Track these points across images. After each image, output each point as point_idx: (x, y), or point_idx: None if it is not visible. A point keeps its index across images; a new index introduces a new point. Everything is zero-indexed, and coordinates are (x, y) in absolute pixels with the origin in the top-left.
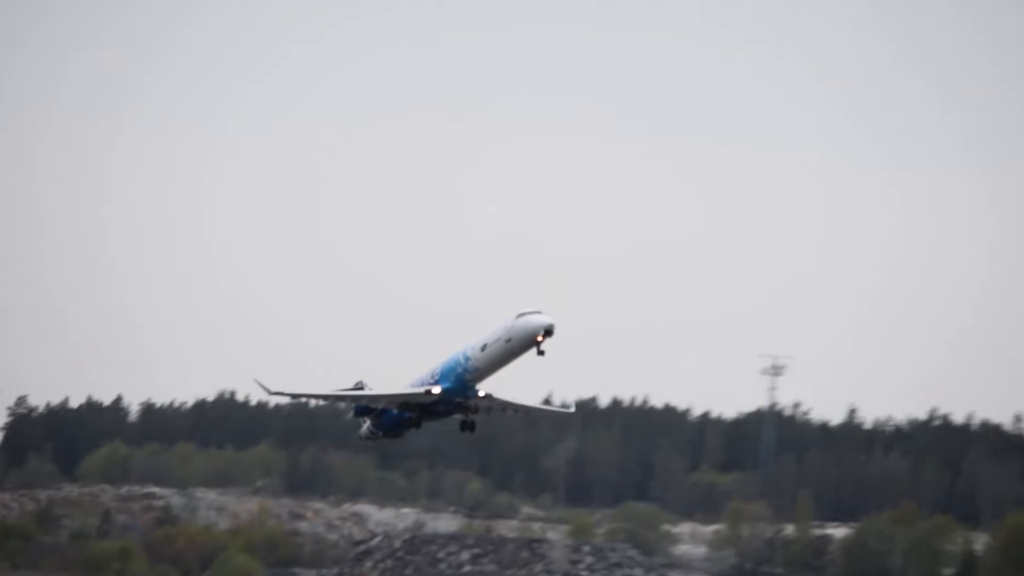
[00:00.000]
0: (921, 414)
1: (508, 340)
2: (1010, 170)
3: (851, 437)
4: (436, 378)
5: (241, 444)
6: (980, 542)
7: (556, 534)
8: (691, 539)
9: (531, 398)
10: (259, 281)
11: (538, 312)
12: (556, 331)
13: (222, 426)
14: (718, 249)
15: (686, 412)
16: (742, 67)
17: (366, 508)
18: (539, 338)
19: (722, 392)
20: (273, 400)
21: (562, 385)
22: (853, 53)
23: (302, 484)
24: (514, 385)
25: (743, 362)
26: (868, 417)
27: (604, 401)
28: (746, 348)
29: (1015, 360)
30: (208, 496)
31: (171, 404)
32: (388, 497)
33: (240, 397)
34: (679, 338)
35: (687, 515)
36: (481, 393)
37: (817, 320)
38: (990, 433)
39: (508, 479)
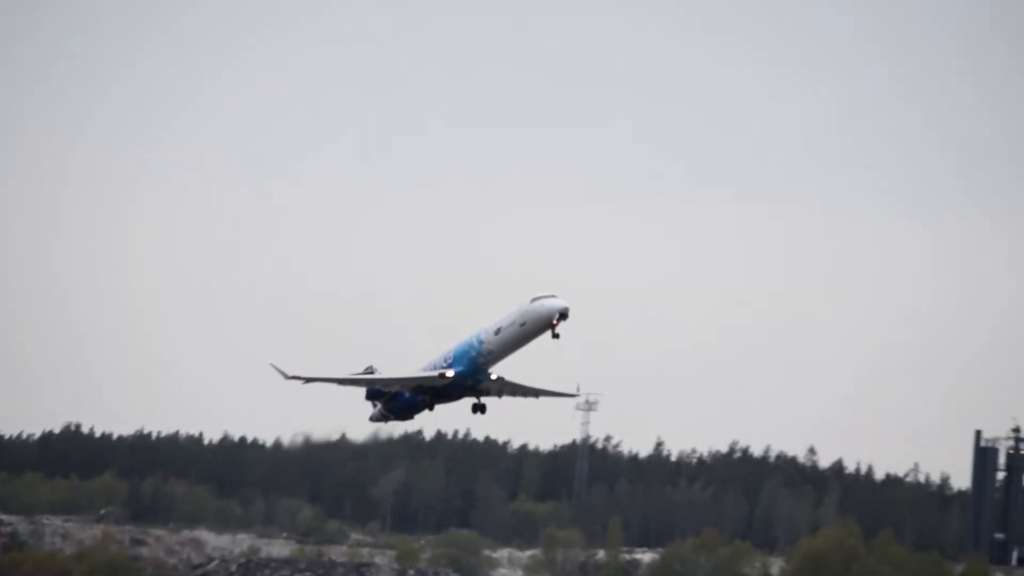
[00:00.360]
0: (722, 447)
1: (522, 324)
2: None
3: (658, 468)
4: (449, 362)
5: (85, 474)
6: (776, 566)
7: (383, 559)
8: (509, 564)
9: (539, 380)
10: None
11: (553, 296)
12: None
13: (67, 457)
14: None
15: (505, 444)
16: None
17: (204, 534)
18: (554, 321)
19: (539, 426)
20: (117, 434)
21: None
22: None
23: (143, 511)
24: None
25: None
26: (674, 450)
27: (429, 434)
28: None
29: (808, 395)
30: (54, 523)
31: (19, 435)
32: (225, 524)
33: (85, 429)
34: None
35: (506, 541)
36: (493, 376)
37: (626, 359)
38: (786, 465)
39: (339, 507)
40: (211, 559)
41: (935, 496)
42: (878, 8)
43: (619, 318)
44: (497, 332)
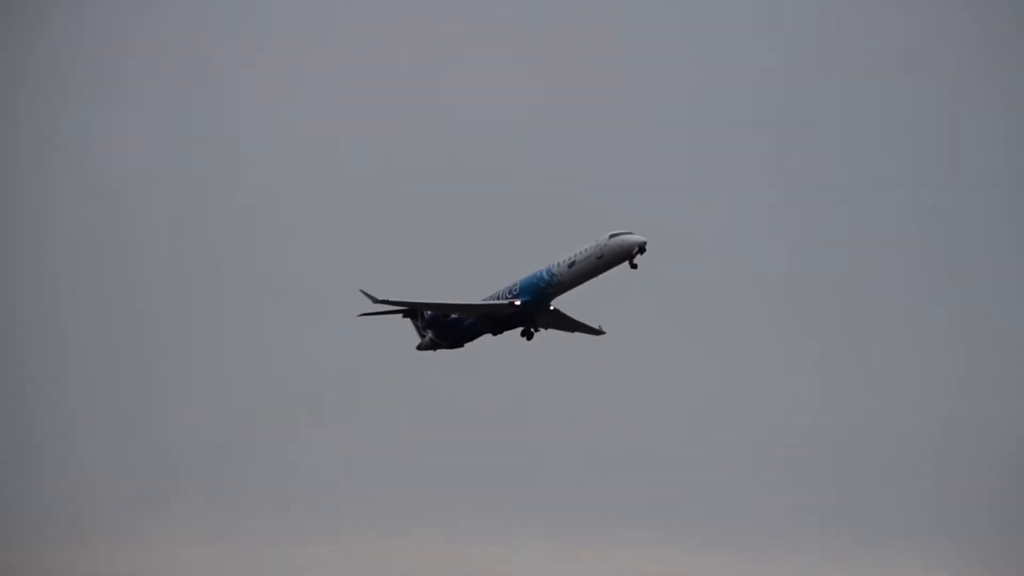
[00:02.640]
0: None
1: (600, 256)
2: None
3: None
4: (515, 292)
5: None
6: None
7: None
8: None
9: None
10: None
11: (630, 232)
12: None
13: None
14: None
15: None
16: None
17: None
18: (634, 253)
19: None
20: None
21: None
22: None
23: None
24: None
25: None
26: None
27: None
28: None
29: None
30: None
31: None
32: None
33: None
34: None
35: None
36: (551, 307)
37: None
38: None
39: None
40: None
41: None
42: None
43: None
44: (571, 265)
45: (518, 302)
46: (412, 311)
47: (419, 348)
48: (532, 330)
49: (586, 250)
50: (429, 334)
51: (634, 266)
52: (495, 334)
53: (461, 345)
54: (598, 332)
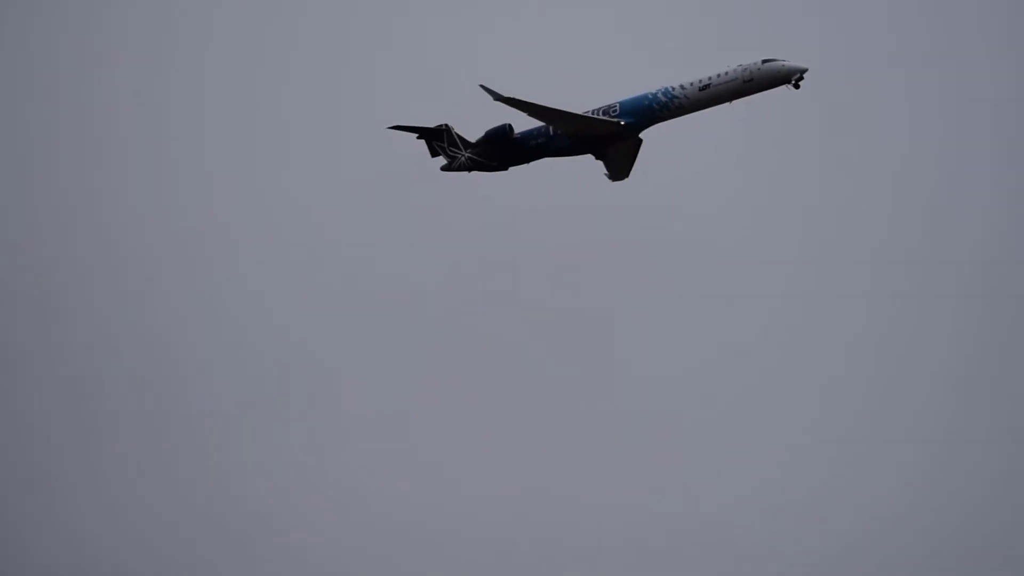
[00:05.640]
0: None
1: (748, 80)
2: None
3: None
4: (616, 113)
5: None
6: None
7: None
8: None
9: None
10: None
11: (785, 61)
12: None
13: None
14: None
15: None
16: None
17: None
18: (795, 79)
19: None
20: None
21: None
22: None
23: None
24: None
25: None
26: None
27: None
28: None
29: None
30: None
31: None
32: None
33: None
34: None
35: None
36: (641, 136)
37: None
38: None
39: None
40: None
41: None
42: None
43: None
44: (703, 88)
45: (623, 122)
46: (435, 132)
47: (443, 169)
48: (617, 156)
49: (727, 73)
50: (466, 154)
51: (797, 86)
52: (568, 155)
53: (506, 168)
54: (620, 179)
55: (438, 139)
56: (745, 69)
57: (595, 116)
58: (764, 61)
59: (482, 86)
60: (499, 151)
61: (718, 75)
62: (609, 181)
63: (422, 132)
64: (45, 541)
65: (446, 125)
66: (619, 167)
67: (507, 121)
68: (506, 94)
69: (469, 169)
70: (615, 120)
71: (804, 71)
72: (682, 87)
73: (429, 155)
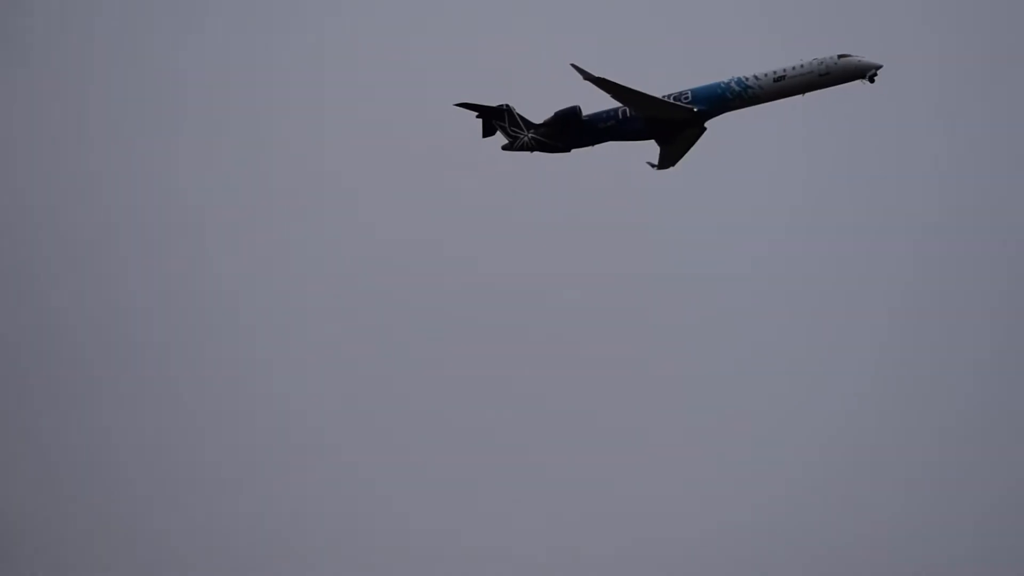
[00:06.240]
0: None
1: (824, 74)
2: None
3: None
4: (689, 100)
5: None
6: None
7: None
8: None
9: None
10: None
11: (861, 57)
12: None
13: None
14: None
15: None
16: None
17: None
18: (870, 74)
19: None
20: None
21: None
22: None
23: None
24: None
25: None
26: None
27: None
28: None
29: None
30: None
31: None
32: None
33: None
34: None
35: None
36: (705, 125)
37: None
38: None
39: None
40: None
41: None
42: None
43: None
44: (778, 79)
45: (696, 109)
46: (495, 111)
47: (505, 148)
48: (678, 146)
49: (803, 66)
50: (529, 134)
51: (872, 80)
52: (635, 139)
53: (568, 150)
54: (668, 167)
55: (499, 119)
56: (821, 63)
57: (671, 101)
58: (840, 56)
59: (573, 65)
60: (567, 132)
61: (793, 67)
62: (653, 170)
63: (483, 111)
64: None
65: (506, 105)
66: (674, 155)
67: (576, 103)
68: (596, 74)
69: (532, 149)
70: (689, 107)
71: (879, 67)
72: (756, 77)
73: (481, 135)
